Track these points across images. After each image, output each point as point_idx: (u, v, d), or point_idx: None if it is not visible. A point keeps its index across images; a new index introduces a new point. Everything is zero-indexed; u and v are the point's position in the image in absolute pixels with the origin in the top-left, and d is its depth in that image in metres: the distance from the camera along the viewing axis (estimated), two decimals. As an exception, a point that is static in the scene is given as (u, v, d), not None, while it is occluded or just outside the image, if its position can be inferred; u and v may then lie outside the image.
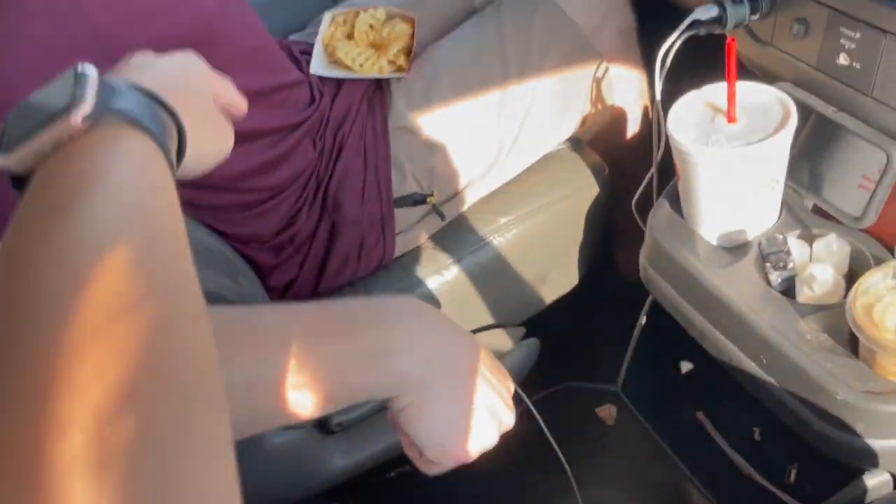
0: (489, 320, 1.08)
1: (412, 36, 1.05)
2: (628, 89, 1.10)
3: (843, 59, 0.75)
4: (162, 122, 0.41)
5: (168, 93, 0.43)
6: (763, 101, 0.76)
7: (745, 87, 0.76)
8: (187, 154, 0.45)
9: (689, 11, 0.84)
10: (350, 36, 1.04)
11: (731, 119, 0.75)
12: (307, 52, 1.04)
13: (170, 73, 0.47)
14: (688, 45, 0.85)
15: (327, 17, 1.07)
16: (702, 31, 0.84)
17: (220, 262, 0.89)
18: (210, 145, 0.49)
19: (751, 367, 0.75)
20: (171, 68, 0.48)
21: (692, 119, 0.78)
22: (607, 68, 1.06)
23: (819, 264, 0.74)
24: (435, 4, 1.13)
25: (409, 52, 1.04)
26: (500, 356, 1.06)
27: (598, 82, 1.07)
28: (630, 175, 1.04)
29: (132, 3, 0.73)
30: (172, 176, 0.40)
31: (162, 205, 0.36)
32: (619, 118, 1.13)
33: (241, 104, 0.55)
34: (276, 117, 0.91)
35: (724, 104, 0.75)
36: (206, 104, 0.50)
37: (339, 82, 1.01)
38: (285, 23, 1.21)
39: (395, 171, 1.00)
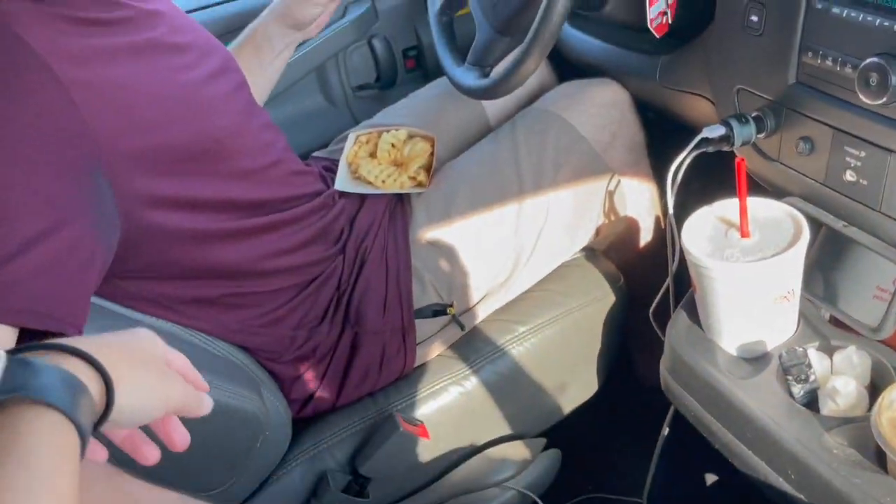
0: (508, 430, 1.08)
1: (432, 154, 1.09)
2: (640, 201, 1.13)
3: (849, 176, 0.78)
4: (75, 393, 0.45)
5: (103, 348, 0.48)
6: (774, 216, 0.79)
7: (756, 203, 0.79)
8: (124, 404, 0.48)
9: (697, 129, 0.88)
10: (373, 155, 1.09)
11: (744, 234, 0.77)
12: (331, 170, 1.09)
13: (116, 336, 0.52)
14: (697, 157, 0.88)
15: (351, 137, 1.13)
16: (710, 149, 0.88)
17: (244, 376, 0.90)
18: (150, 394, 0.52)
19: (779, 482, 0.74)
20: (120, 335, 0.53)
21: (706, 233, 0.80)
22: (619, 181, 1.10)
23: (841, 377, 0.74)
24: (452, 123, 1.18)
25: (429, 169, 1.08)
26: (520, 468, 1.05)
27: (610, 195, 1.11)
28: (645, 283, 1.05)
29: (134, 112, 0.74)
30: (79, 446, 0.44)
31: (57, 483, 0.41)
32: (632, 228, 1.15)
33: (197, 379, 0.58)
34: (288, 215, 0.94)
35: (736, 219, 0.78)
36: (150, 358, 0.53)
37: (362, 198, 1.05)
38: (309, 141, 1.27)
39: (416, 282, 1.02)
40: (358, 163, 1.07)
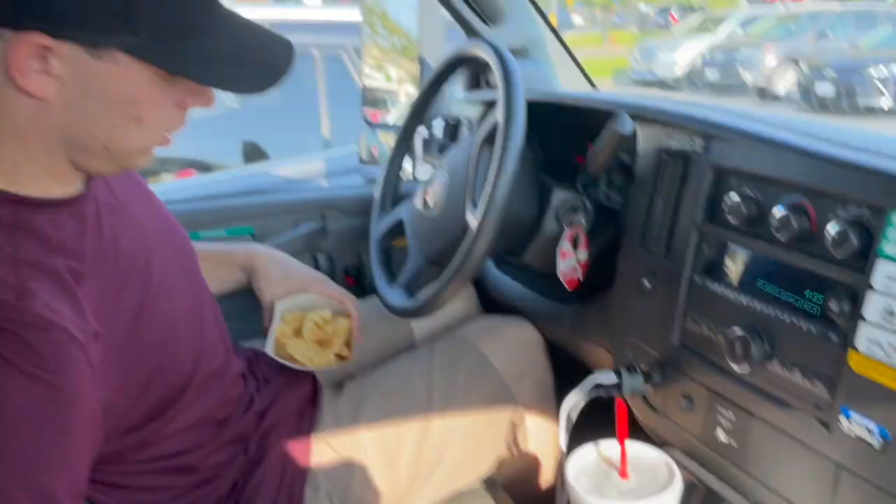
0: None
1: (353, 328, 1.14)
2: (542, 439, 1.18)
3: (722, 437, 0.85)
4: None
5: None
6: (651, 462, 0.84)
7: (636, 448, 0.84)
8: None
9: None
10: (298, 333, 1.13)
11: (623, 475, 0.81)
12: (253, 362, 1.12)
13: None
14: (599, 401, 0.94)
15: (278, 314, 1.15)
16: (603, 394, 0.95)
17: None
18: None
19: None
20: None
21: (590, 470, 0.84)
22: (524, 417, 1.15)
23: None
24: (379, 338, 1.25)
25: (349, 343, 1.12)
26: None
27: (514, 428, 1.15)
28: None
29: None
30: None
31: None
32: (532, 464, 1.18)
33: None
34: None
35: (617, 459, 0.83)
36: None
37: (274, 393, 1.07)
38: (240, 329, 1.30)
39: (311, 488, 1.01)
40: (284, 341, 1.11)
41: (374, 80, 2.22)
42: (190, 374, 0.89)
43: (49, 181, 0.76)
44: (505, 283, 1.33)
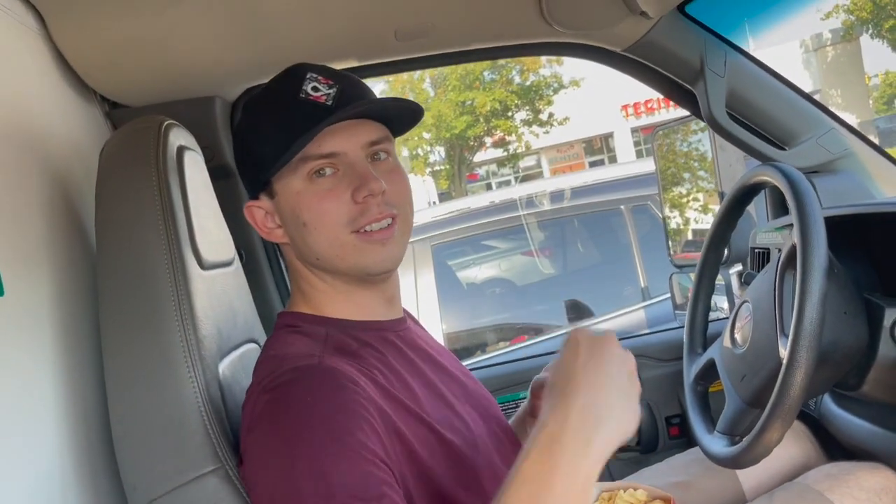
0: None
1: None
2: None
3: None
4: None
5: None
6: None
7: None
8: None
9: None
10: (608, 509, 1.09)
11: None
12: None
13: None
14: None
15: (596, 491, 1.14)
16: None
17: None
18: None
19: None
20: None
21: None
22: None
23: None
24: (703, 490, 1.15)
25: None
26: None
27: None
28: None
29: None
30: None
31: None
32: None
33: None
34: None
35: None
36: None
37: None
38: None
39: None
40: (594, 517, 1.08)
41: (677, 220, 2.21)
42: None
43: (344, 305, 0.87)
44: (849, 422, 1.15)
